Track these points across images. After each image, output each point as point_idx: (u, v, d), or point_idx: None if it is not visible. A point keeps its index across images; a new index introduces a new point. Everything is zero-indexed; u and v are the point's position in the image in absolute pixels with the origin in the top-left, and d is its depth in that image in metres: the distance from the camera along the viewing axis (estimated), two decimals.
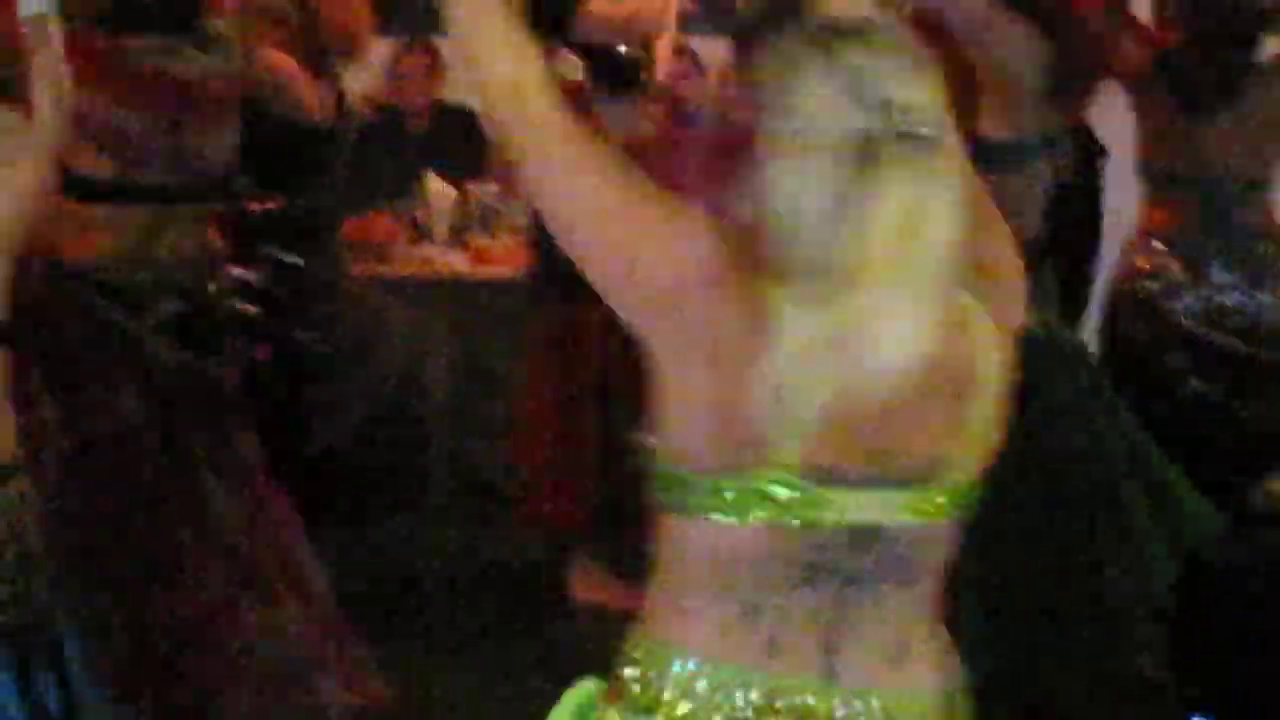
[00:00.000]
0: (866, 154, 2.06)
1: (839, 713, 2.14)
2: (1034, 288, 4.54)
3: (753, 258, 2.09)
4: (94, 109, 4.34)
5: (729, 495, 2.09)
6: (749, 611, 2.14)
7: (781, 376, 2.03)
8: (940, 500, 2.14)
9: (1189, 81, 5.10)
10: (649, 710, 2.19)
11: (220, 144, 4.69)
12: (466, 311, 6.70)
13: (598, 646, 2.27)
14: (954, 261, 2.08)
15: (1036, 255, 4.45)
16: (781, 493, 2.07)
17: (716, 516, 2.11)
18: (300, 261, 5.54)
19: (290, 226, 5.55)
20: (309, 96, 5.37)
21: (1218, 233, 5.16)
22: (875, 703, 2.14)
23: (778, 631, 2.14)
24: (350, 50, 5.59)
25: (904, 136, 2.06)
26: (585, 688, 2.30)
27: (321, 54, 5.42)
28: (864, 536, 2.10)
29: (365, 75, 7.33)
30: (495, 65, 2.12)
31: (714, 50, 6.79)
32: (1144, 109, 5.17)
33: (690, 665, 2.16)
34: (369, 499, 6.39)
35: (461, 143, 7.44)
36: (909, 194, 2.05)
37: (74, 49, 4.23)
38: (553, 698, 2.28)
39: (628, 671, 2.20)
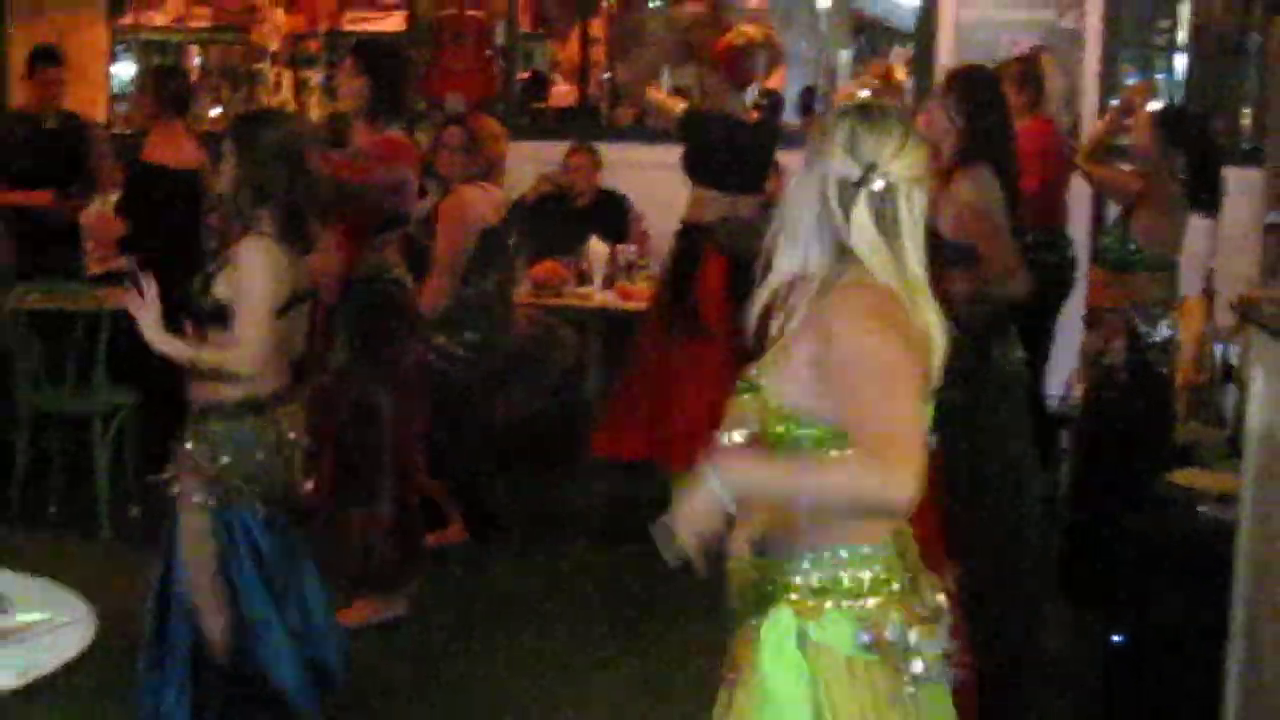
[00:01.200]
0: (873, 196, 2.24)
1: (909, 538, 2.41)
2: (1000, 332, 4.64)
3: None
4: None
5: None
6: None
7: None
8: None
9: (1195, 197, 5.27)
10: (855, 595, 2.28)
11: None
12: (615, 330, 7.12)
13: None
14: None
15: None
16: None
17: None
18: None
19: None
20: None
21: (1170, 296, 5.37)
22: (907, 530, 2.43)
23: None
24: (495, 170, 6.19)
25: (871, 191, 2.23)
26: (784, 619, 2.28)
27: (483, 174, 6.12)
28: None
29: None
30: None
31: None
32: (1158, 220, 5.26)
33: (865, 549, 2.30)
34: (549, 446, 7.01)
35: (615, 216, 7.87)
36: (911, 217, 2.26)
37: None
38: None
39: (838, 576, 2.27)
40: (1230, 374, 5.78)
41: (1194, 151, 5.29)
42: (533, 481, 6.94)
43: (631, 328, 7.04)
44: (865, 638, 2.27)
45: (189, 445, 4.01)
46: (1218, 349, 5.91)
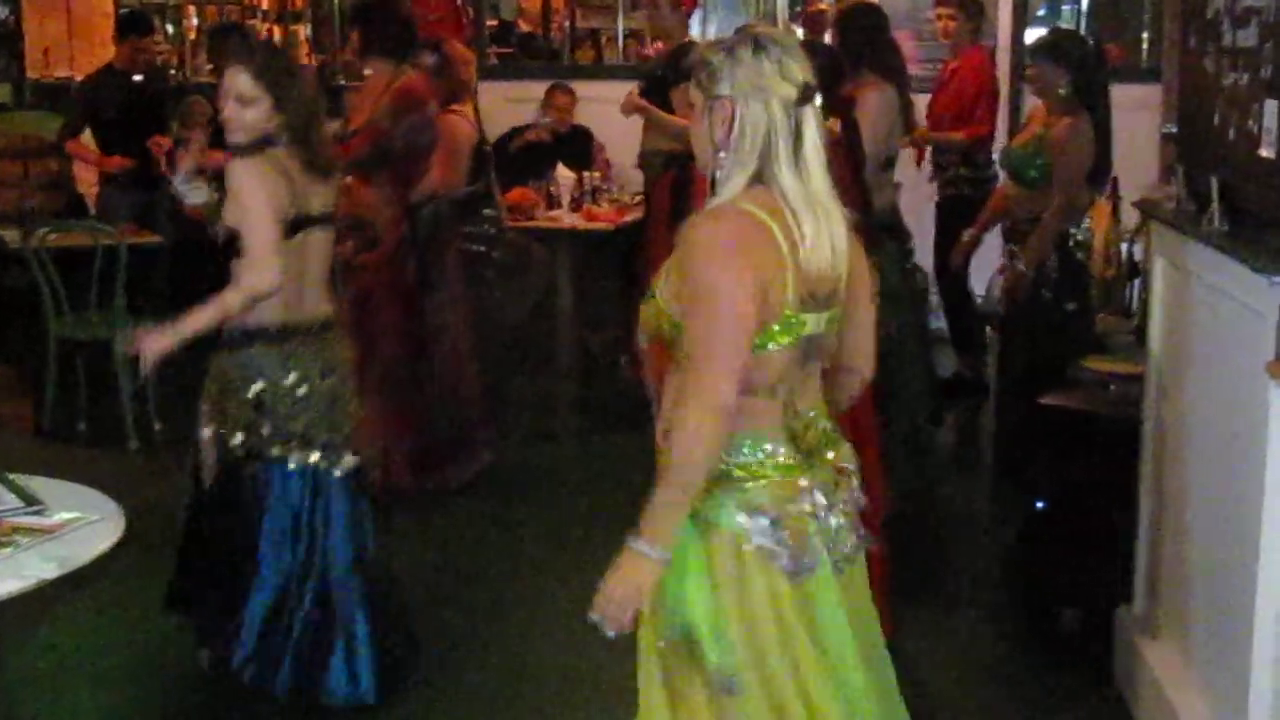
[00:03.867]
0: (795, 113, 2.26)
1: (811, 421, 2.40)
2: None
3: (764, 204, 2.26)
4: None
5: (777, 329, 2.27)
6: (776, 392, 2.32)
7: (799, 266, 2.25)
8: (835, 317, 2.37)
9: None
10: (752, 474, 2.31)
11: None
12: (580, 250, 7.12)
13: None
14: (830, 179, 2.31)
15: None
16: (793, 320, 2.28)
17: (771, 345, 2.28)
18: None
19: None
20: None
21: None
22: (813, 413, 2.40)
23: (785, 397, 2.34)
24: (464, 92, 6.07)
25: (809, 102, 2.27)
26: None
27: (454, 94, 5.96)
28: (813, 338, 2.33)
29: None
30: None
31: None
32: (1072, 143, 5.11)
33: (757, 437, 2.31)
34: (526, 351, 7.09)
35: (582, 146, 7.84)
36: (814, 136, 2.29)
37: None
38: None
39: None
40: (1135, 269, 5.60)
41: (1076, 69, 5.09)
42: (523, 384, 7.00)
43: (598, 247, 7.05)
44: (741, 519, 2.29)
45: (211, 388, 3.76)
46: (1124, 247, 5.70)
